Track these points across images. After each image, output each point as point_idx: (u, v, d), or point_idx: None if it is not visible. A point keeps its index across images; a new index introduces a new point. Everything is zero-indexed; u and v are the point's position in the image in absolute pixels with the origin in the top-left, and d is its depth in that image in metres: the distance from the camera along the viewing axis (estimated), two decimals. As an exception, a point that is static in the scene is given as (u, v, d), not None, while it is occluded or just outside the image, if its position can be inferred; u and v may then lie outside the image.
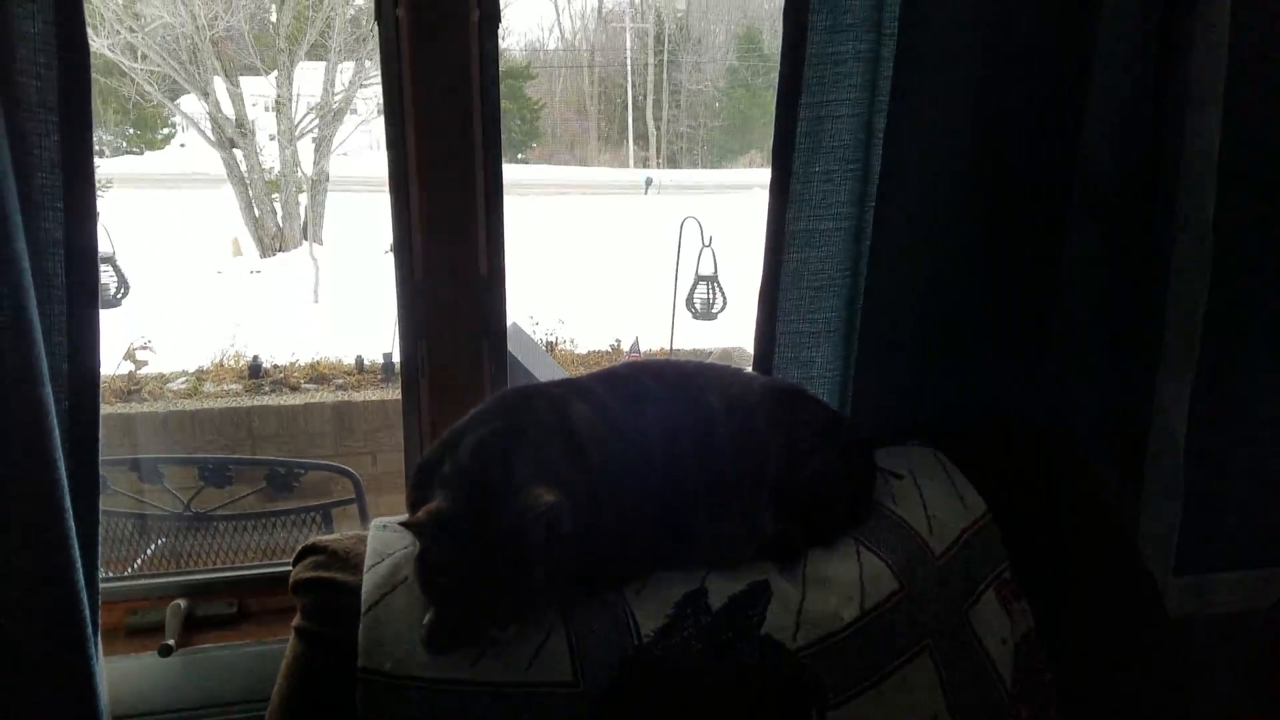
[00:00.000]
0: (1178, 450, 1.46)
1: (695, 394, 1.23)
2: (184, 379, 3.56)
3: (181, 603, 1.47)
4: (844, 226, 1.36)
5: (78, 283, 1.10)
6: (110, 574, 1.58)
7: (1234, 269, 1.50)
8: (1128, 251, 1.46)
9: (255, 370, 3.83)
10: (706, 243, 3.76)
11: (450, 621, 1.03)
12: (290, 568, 1.18)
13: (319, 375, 3.98)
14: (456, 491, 1.04)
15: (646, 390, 1.22)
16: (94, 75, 1.12)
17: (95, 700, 1.15)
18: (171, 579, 1.54)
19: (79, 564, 1.10)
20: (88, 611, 1.12)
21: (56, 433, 1.06)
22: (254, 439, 3.15)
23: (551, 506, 1.00)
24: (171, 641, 1.40)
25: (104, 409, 1.19)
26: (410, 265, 1.41)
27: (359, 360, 4.00)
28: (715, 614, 1.10)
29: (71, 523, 1.08)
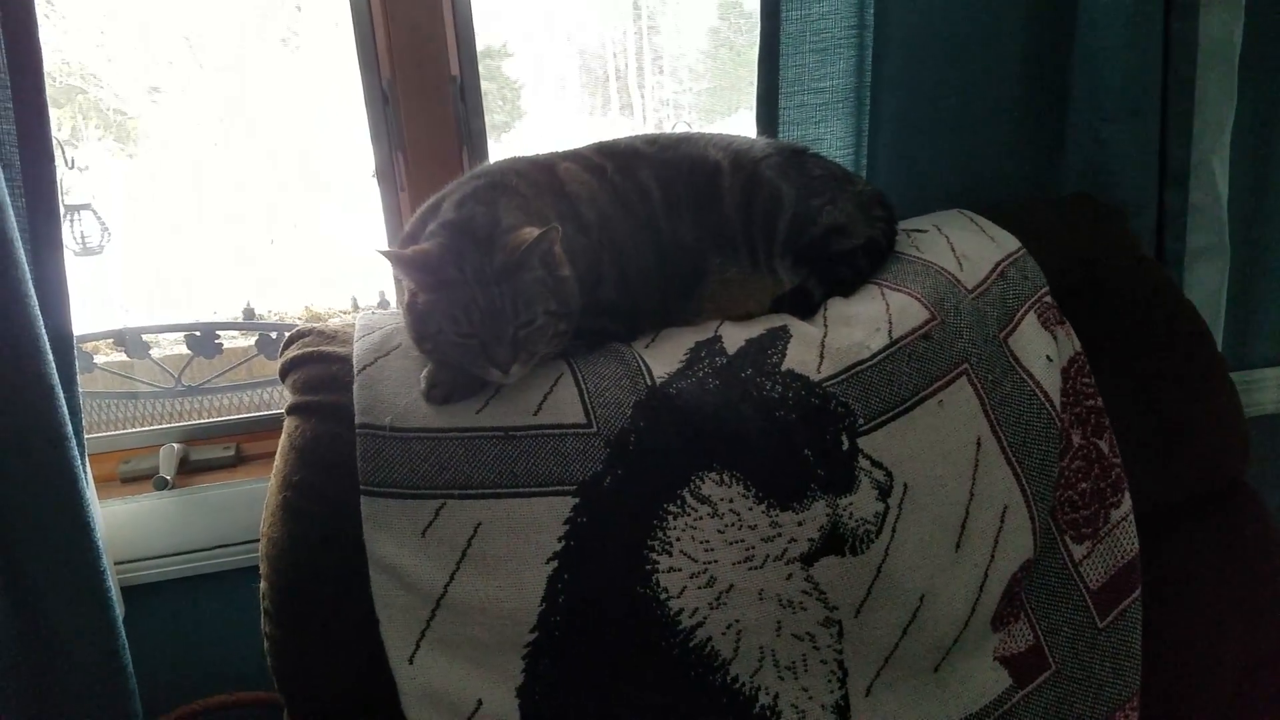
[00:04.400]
0: (1220, 204, 1.37)
1: (694, 151, 1.15)
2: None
3: (175, 445, 1.40)
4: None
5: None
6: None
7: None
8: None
9: (249, 316, 3.77)
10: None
11: (449, 371, 0.96)
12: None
13: (315, 318, 3.93)
14: (443, 238, 0.96)
15: (639, 152, 1.15)
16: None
17: (91, 539, 1.08)
18: (164, 427, 1.47)
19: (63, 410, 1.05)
20: (76, 456, 1.06)
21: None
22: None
23: (546, 233, 0.92)
24: (168, 476, 1.34)
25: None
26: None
27: (354, 301, 3.90)
28: (731, 356, 1.02)
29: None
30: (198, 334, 1.77)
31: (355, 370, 0.99)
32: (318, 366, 1.04)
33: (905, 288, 1.09)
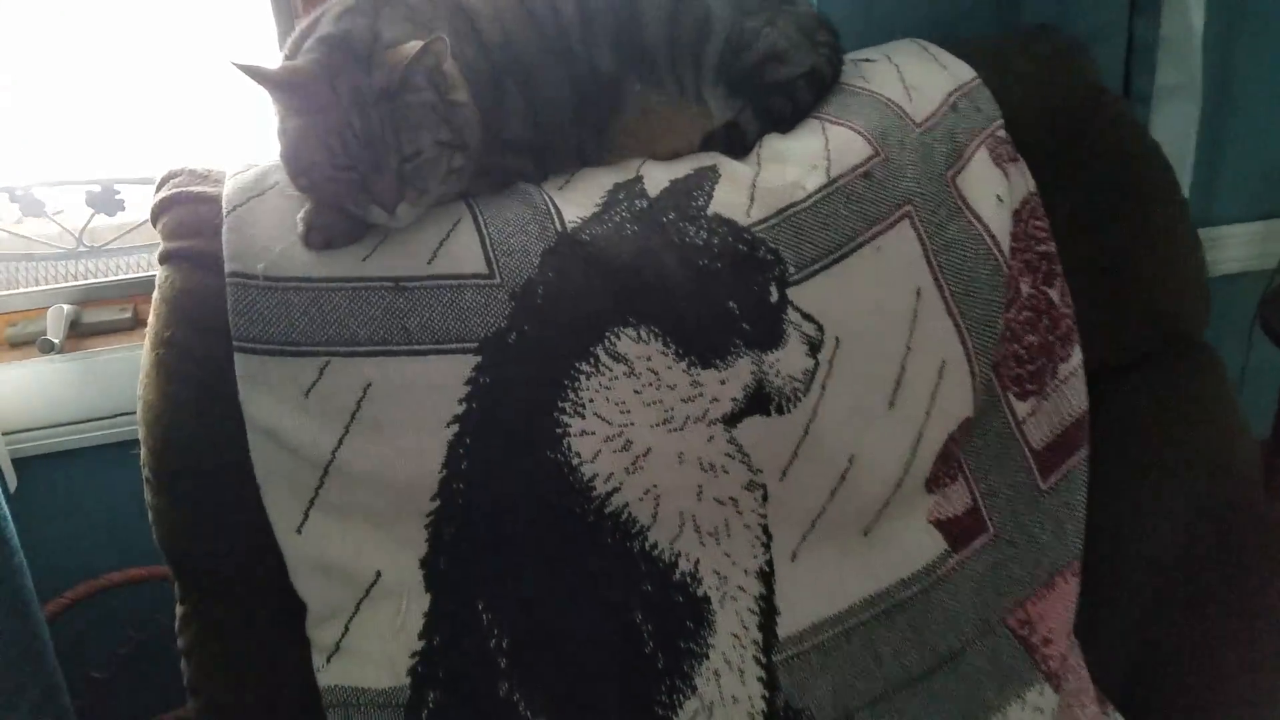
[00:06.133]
0: (1194, 37, 1.25)
1: None
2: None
3: (65, 307, 1.29)
4: None
5: None
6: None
7: None
8: None
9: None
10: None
11: (329, 213, 0.85)
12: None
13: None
14: (317, 54, 0.83)
15: None
16: None
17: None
18: (55, 287, 1.35)
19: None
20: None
21: None
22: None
23: (430, 44, 0.80)
24: (55, 339, 1.23)
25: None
26: None
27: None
28: (653, 199, 0.92)
29: None
30: (97, 189, 1.62)
31: (224, 211, 0.88)
32: (187, 208, 0.92)
33: (847, 121, 0.98)
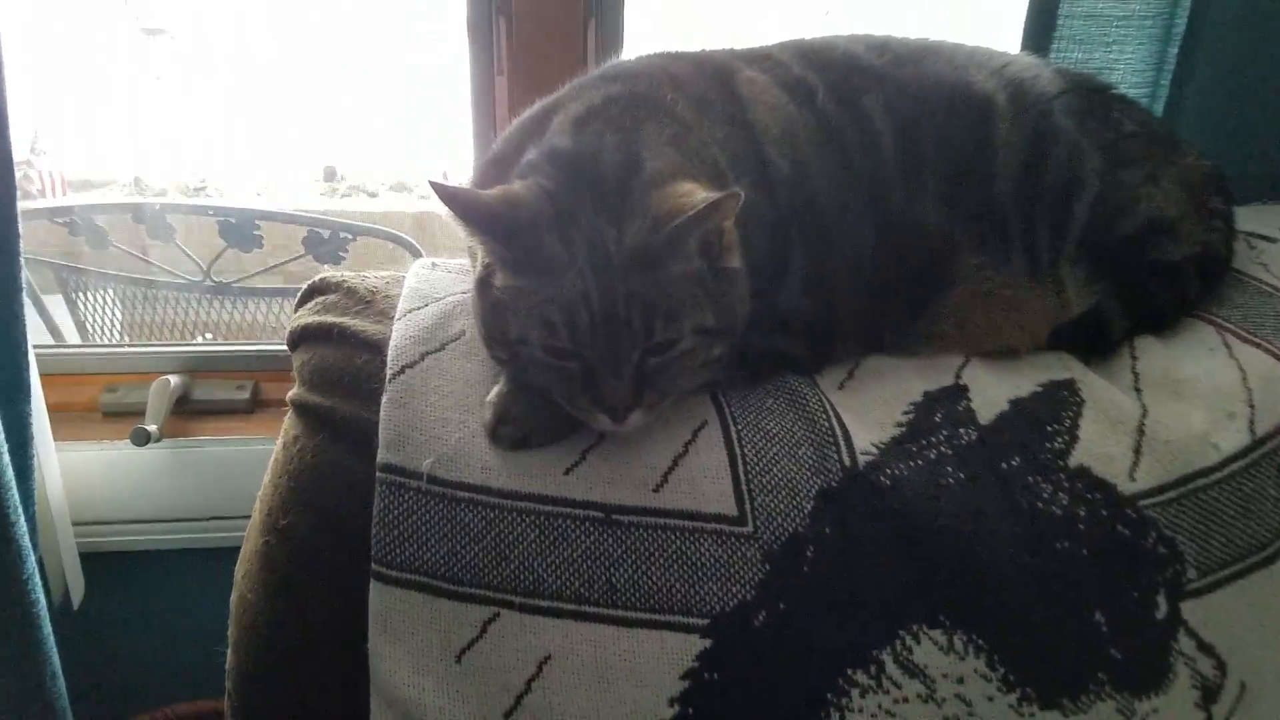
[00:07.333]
0: None
1: (949, 73, 0.73)
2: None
3: (171, 379, 1.07)
4: None
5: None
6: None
7: None
8: None
9: (330, 175, 3.47)
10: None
11: (530, 399, 0.60)
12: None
13: (401, 186, 3.59)
14: (547, 179, 0.58)
15: (861, 64, 0.73)
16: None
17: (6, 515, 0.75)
18: (166, 349, 1.14)
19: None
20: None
21: None
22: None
23: (720, 202, 0.53)
24: (152, 427, 1.01)
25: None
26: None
27: (444, 176, 3.54)
28: (985, 428, 0.63)
29: None
30: (233, 221, 1.43)
31: (389, 372, 0.63)
32: (336, 351, 0.68)
33: (1265, 340, 0.67)
